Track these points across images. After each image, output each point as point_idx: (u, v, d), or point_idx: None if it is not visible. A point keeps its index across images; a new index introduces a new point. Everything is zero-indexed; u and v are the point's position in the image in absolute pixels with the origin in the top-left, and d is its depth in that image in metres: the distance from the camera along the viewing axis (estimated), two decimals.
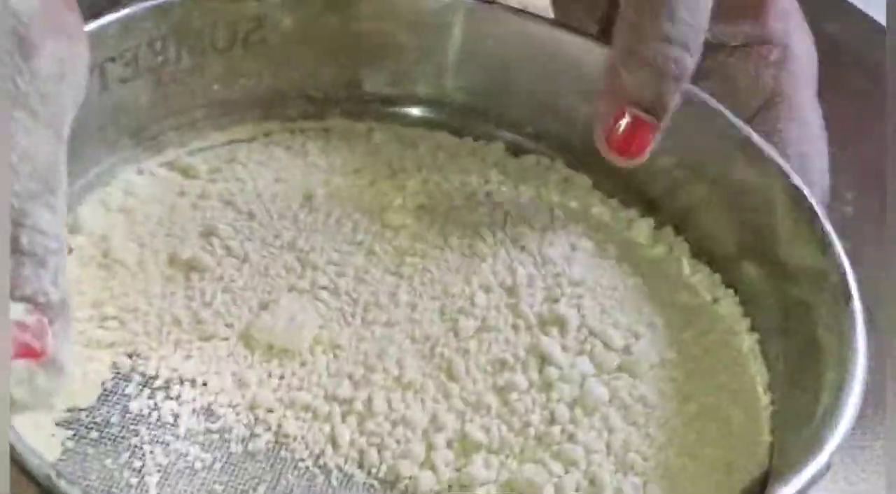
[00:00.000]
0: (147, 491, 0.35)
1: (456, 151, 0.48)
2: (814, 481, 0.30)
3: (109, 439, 0.36)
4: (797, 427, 0.36)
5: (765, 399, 0.39)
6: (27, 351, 0.29)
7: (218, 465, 0.36)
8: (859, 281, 0.37)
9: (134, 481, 0.35)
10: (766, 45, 0.42)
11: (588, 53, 0.45)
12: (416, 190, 0.45)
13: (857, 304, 0.36)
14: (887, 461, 0.38)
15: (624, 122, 0.39)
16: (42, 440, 0.35)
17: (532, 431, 0.37)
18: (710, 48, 0.41)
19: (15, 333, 0.29)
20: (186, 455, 0.36)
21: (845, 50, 0.44)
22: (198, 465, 0.35)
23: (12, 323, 0.29)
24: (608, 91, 0.40)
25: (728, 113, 0.42)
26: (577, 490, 0.36)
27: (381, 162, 0.46)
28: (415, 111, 0.48)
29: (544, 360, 0.38)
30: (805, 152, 0.40)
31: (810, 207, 0.39)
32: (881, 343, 0.36)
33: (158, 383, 0.37)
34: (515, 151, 0.48)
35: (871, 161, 0.43)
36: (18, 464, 0.29)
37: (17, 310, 0.30)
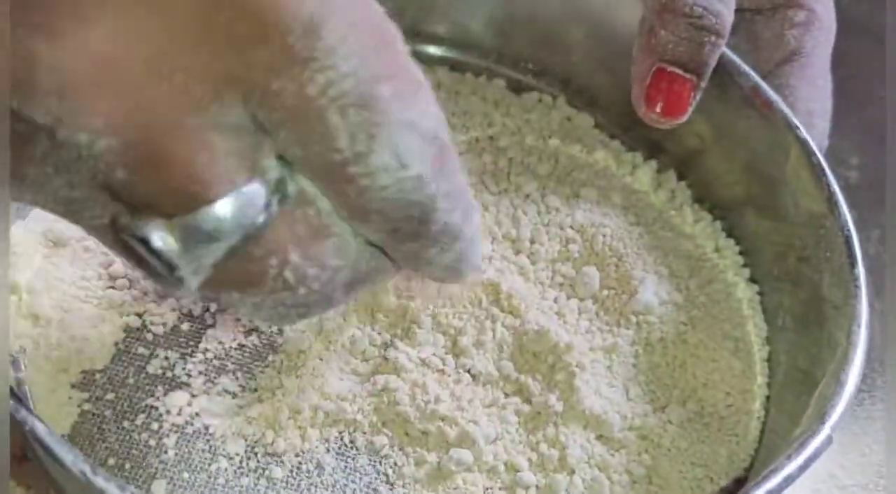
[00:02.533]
0: (166, 452, 0.35)
1: (457, 89, 0.47)
2: (817, 454, 0.31)
3: (125, 399, 0.36)
4: (798, 393, 0.36)
5: (762, 352, 0.40)
6: None
7: (234, 425, 0.36)
8: (864, 250, 0.37)
9: (153, 442, 0.35)
10: (792, 7, 0.42)
11: None
12: None
13: (860, 270, 0.36)
14: (888, 423, 0.40)
15: (662, 83, 0.38)
16: (58, 404, 0.36)
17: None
18: (740, 9, 0.40)
19: None
20: (201, 415, 0.36)
21: (851, 15, 0.43)
22: (213, 426, 0.36)
23: None
24: (645, 49, 0.39)
25: (739, 60, 0.42)
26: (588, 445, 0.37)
27: None
28: (412, 45, 0.47)
29: (544, 335, 0.39)
30: (811, 110, 0.40)
31: (819, 163, 0.39)
32: (886, 310, 0.37)
33: (170, 341, 0.38)
34: (516, 89, 0.48)
35: (875, 126, 0.43)
36: (53, 460, 0.29)
37: None
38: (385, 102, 0.26)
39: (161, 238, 0.26)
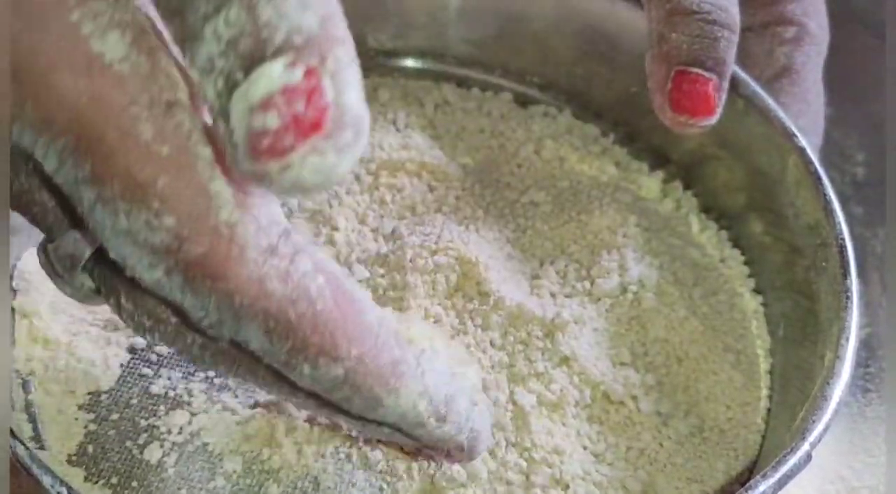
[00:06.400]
0: (166, 470, 0.36)
1: (463, 105, 0.48)
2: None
3: (129, 420, 0.37)
4: (793, 406, 0.36)
5: (765, 364, 0.40)
6: (303, 126, 0.23)
7: (232, 443, 0.37)
8: (871, 247, 0.36)
9: (154, 462, 0.36)
10: (783, 24, 0.41)
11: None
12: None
13: (853, 281, 0.36)
14: (889, 423, 0.39)
15: (685, 85, 0.37)
16: (65, 424, 0.37)
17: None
18: None
19: (280, 106, 0.23)
20: (201, 433, 0.37)
21: (854, 8, 0.43)
22: (212, 444, 0.37)
23: (276, 95, 0.23)
24: (658, 57, 0.39)
25: (737, 68, 0.41)
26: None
27: (388, 120, 0.46)
28: (419, 64, 0.48)
29: (555, 329, 0.39)
30: (802, 126, 0.40)
31: (816, 171, 0.39)
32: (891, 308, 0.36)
33: (174, 361, 0.39)
34: (523, 102, 0.48)
35: (881, 122, 0.43)
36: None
37: (276, 71, 0.23)
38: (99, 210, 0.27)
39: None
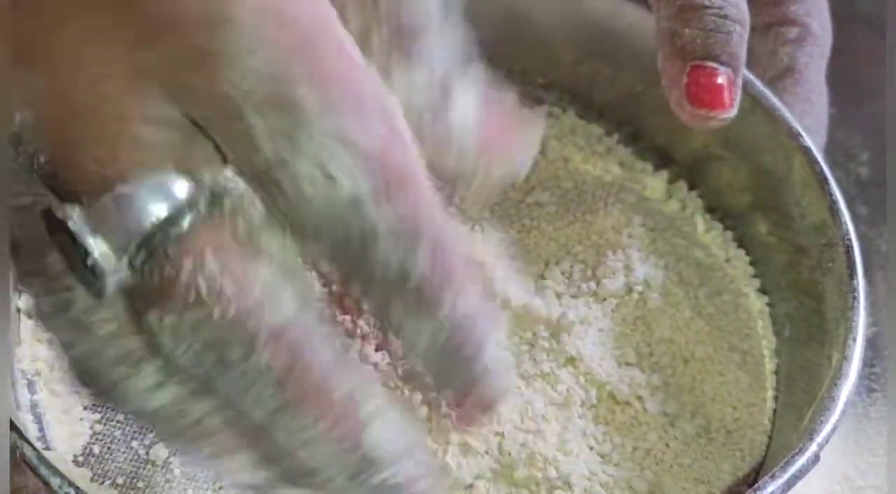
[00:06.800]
0: (172, 470, 0.36)
1: None
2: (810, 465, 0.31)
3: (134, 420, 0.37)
4: (800, 406, 0.36)
5: (770, 364, 0.40)
6: None
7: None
8: (876, 247, 0.36)
9: (160, 462, 0.36)
10: (785, 24, 0.41)
11: None
12: None
13: (860, 281, 0.36)
14: (889, 423, 0.39)
15: (701, 78, 0.37)
16: (70, 424, 0.37)
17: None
18: None
19: None
20: None
21: (858, 8, 0.43)
22: None
23: None
24: (672, 55, 0.38)
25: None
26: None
27: None
28: None
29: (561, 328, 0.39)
30: (806, 126, 0.40)
31: (821, 171, 0.39)
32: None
33: None
34: (527, 102, 0.48)
35: (884, 121, 0.43)
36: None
37: None
38: (308, 108, 0.25)
39: (78, 221, 0.25)
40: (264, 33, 0.25)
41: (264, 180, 0.25)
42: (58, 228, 0.25)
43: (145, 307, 0.26)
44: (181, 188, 0.25)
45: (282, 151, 0.25)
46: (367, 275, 0.26)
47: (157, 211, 0.25)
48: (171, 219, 0.25)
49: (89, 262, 0.25)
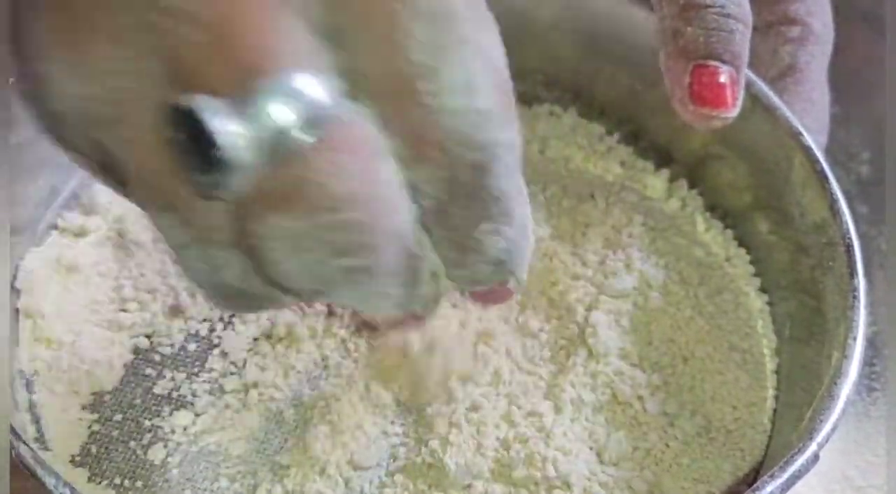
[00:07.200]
0: (170, 470, 0.36)
1: None
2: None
3: (132, 420, 0.37)
4: (800, 406, 0.36)
5: (770, 363, 0.40)
6: None
7: (235, 442, 0.37)
8: (876, 246, 0.36)
9: (157, 462, 0.36)
10: (787, 24, 0.41)
11: None
12: None
13: (860, 280, 0.35)
14: (889, 422, 0.39)
15: (704, 77, 0.37)
16: (68, 424, 0.37)
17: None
18: None
19: None
20: (204, 434, 0.37)
21: (859, 6, 0.43)
22: (216, 444, 0.37)
23: None
24: (674, 54, 0.38)
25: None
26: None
27: None
28: None
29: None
30: (807, 125, 0.40)
31: (822, 170, 0.39)
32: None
33: (177, 362, 0.39)
34: (527, 101, 0.48)
35: (885, 120, 0.42)
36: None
37: None
38: (461, 20, 0.25)
39: (215, 110, 0.24)
40: None
41: (404, 91, 0.25)
42: (182, 123, 0.24)
43: (258, 214, 0.25)
44: (323, 89, 0.25)
45: (431, 59, 0.25)
46: (477, 193, 0.27)
47: (300, 108, 0.24)
48: (310, 121, 0.24)
49: (218, 155, 0.24)
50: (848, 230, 0.37)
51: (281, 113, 0.24)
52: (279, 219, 0.25)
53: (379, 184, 0.25)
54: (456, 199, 0.27)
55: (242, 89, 0.24)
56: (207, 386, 0.38)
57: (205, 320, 0.40)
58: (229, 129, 0.24)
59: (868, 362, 0.42)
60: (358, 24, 0.25)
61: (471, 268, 0.28)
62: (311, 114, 0.24)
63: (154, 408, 0.38)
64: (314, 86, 0.25)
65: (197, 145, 0.24)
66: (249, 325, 0.39)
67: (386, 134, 0.26)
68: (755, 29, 0.38)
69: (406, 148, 0.26)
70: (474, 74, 0.25)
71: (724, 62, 0.38)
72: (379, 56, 0.25)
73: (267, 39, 0.24)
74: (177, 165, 0.25)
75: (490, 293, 0.30)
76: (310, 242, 0.25)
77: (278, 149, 0.24)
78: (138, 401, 0.38)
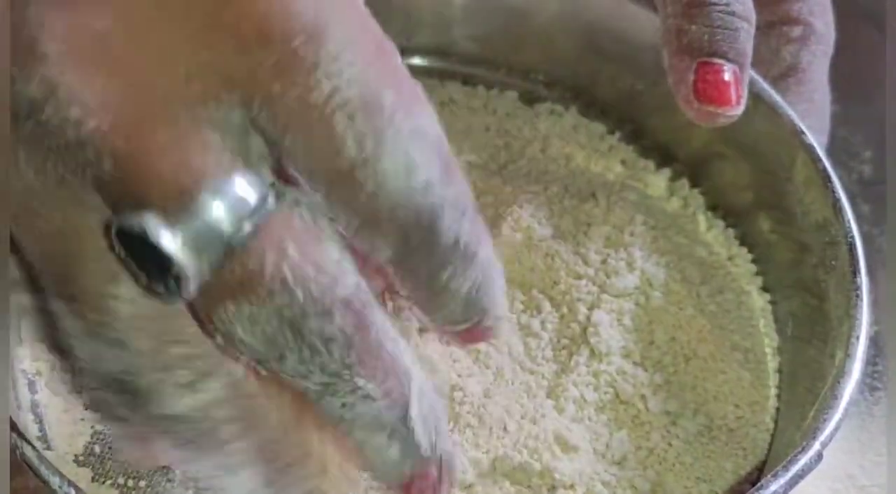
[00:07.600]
0: (173, 471, 0.36)
1: (469, 103, 0.47)
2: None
3: None
4: (803, 405, 0.36)
5: (773, 362, 0.40)
6: None
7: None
8: (878, 245, 0.36)
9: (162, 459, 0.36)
10: (788, 23, 0.41)
11: None
12: None
13: (863, 279, 0.35)
14: (889, 422, 0.39)
15: (708, 75, 0.38)
16: (71, 424, 0.37)
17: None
18: None
19: None
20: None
21: (861, 6, 0.43)
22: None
23: None
24: (678, 51, 0.38)
25: None
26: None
27: None
28: (424, 62, 0.48)
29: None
30: (808, 126, 0.40)
31: (824, 169, 0.39)
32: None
33: None
34: (528, 100, 0.48)
35: (885, 118, 0.43)
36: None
37: None
38: (390, 109, 0.26)
39: (157, 229, 0.25)
40: (353, 37, 0.26)
41: (345, 182, 0.26)
42: (127, 243, 0.26)
43: (216, 303, 0.26)
44: (251, 187, 0.26)
45: (367, 152, 0.26)
46: (430, 246, 0.28)
47: (235, 211, 0.26)
48: (242, 218, 0.26)
49: (174, 271, 0.25)
50: (850, 229, 0.38)
51: (214, 216, 0.25)
52: (237, 306, 0.26)
53: (323, 261, 0.27)
54: (412, 255, 0.28)
55: (175, 204, 0.25)
56: None
57: None
58: (171, 243, 0.25)
59: (870, 361, 0.42)
60: (288, 127, 0.26)
61: (443, 312, 0.29)
62: (243, 212, 0.26)
63: None
64: (243, 187, 0.26)
65: (148, 261, 0.25)
66: None
67: (330, 210, 0.27)
68: (757, 28, 0.38)
69: (353, 222, 0.27)
70: (412, 155, 0.26)
71: (728, 60, 0.38)
72: (314, 155, 0.26)
73: (187, 157, 0.25)
74: (135, 283, 0.26)
75: (467, 332, 0.30)
76: (271, 319, 0.27)
77: (221, 247, 0.26)
78: None
